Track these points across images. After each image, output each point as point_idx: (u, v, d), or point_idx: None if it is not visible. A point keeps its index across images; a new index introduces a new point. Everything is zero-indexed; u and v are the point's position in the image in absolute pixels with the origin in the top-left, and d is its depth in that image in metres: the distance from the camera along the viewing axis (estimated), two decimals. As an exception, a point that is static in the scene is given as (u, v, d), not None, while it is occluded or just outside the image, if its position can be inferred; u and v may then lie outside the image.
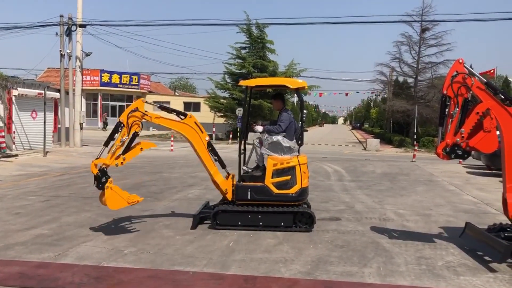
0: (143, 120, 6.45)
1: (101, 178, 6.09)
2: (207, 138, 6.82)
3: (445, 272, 5.07)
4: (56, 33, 22.61)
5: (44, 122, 18.17)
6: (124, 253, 5.49)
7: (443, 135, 5.66)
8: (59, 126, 22.37)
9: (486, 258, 5.63)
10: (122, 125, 6.28)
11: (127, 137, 6.33)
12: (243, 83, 7.14)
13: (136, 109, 6.37)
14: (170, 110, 6.82)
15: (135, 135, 6.38)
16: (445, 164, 17.77)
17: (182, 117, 6.71)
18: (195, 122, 6.73)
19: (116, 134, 6.31)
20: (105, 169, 6.16)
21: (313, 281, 4.72)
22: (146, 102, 6.61)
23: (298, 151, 6.83)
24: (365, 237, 6.50)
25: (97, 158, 6.17)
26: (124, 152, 6.35)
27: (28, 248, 5.60)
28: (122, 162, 6.25)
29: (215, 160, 6.93)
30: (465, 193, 11.09)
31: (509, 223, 5.90)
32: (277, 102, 7.37)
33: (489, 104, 5.47)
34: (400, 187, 11.88)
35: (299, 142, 6.94)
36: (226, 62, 34.83)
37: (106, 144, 6.28)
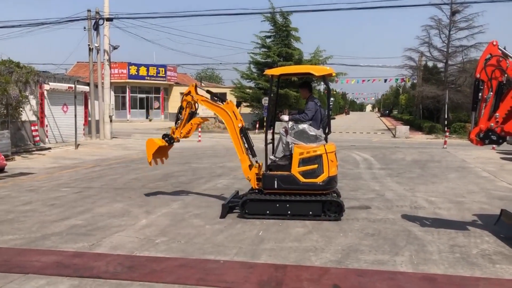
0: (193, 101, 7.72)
1: (166, 136, 7.92)
2: (240, 124, 7.12)
3: (480, 260, 4.95)
4: (84, 28, 23.00)
5: (75, 115, 18.59)
6: (155, 242, 5.59)
7: (476, 120, 5.50)
8: (89, 119, 22.85)
9: (523, 246, 5.46)
10: (182, 107, 7.81)
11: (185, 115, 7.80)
12: (268, 72, 7.10)
13: (189, 93, 7.69)
14: (213, 95, 7.69)
15: (191, 114, 7.83)
16: (477, 150, 17.30)
17: (222, 103, 7.41)
18: (232, 110, 7.23)
19: (180, 115, 7.89)
20: (172, 137, 7.86)
21: (344, 269, 4.69)
22: (198, 87, 7.88)
23: (326, 140, 6.76)
24: (396, 225, 6.41)
25: (176, 127, 7.85)
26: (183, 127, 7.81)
27: (64, 238, 5.77)
28: (180, 134, 7.82)
29: (246, 148, 6.99)
30: (499, 179, 10.78)
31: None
32: (304, 90, 7.31)
33: (525, 87, 5.27)
34: (431, 174, 11.65)
35: (327, 131, 6.88)
36: (251, 51, 34.70)
37: (176, 122, 7.97)
